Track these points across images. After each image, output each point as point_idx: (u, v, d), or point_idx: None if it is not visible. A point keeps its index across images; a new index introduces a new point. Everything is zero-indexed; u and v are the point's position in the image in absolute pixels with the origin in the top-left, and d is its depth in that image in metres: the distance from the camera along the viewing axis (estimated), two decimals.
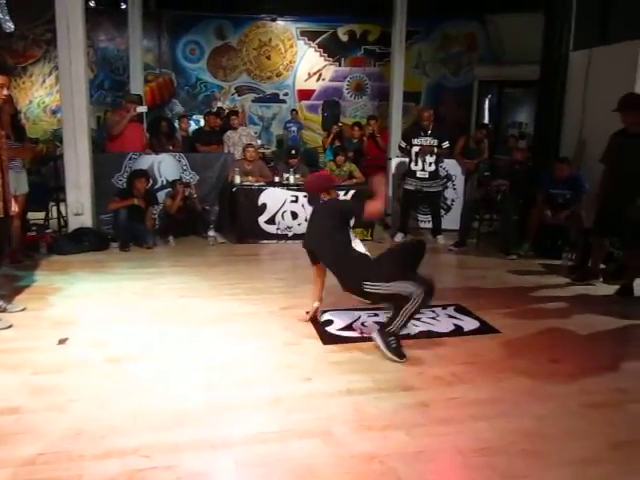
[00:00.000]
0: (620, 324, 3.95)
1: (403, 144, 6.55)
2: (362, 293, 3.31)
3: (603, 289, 4.75)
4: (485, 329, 3.71)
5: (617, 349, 3.55)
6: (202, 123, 9.03)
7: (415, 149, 6.37)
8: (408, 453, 2.28)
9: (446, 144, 6.44)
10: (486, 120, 11.31)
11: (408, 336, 3.53)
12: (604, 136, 4.85)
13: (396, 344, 3.18)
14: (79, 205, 5.94)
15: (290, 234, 6.41)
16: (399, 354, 3.16)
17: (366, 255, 3.43)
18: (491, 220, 6.90)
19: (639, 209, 4.40)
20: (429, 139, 6.35)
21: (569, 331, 3.74)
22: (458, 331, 3.66)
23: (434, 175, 6.45)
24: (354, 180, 6.87)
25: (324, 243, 3.51)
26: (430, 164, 6.37)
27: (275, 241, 6.35)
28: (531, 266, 5.50)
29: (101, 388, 2.80)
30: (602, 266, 5.07)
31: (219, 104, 10.58)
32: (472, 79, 11.57)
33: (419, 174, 6.40)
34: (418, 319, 3.78)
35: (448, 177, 7.12)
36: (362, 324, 3.69)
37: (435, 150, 6.34)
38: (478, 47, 11.68)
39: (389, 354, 3.15)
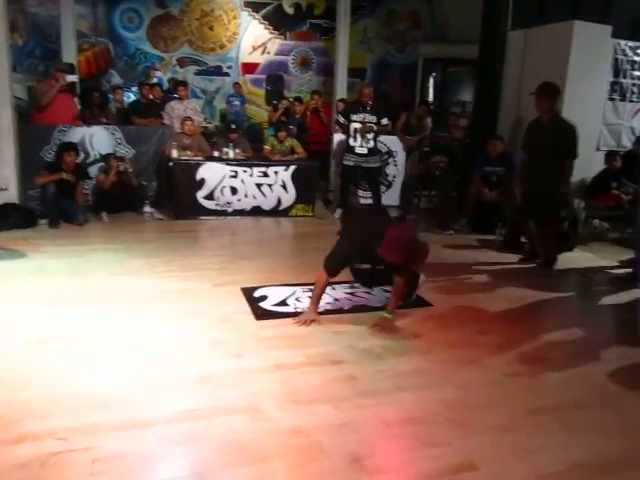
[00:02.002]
0: (544, 296, 4.11)
1: (341, 119, 6.51)
2: None
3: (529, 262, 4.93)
4: (418, 302, 3.77)
5: (539, 320, 3.68)
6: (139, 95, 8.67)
7: (354, 125, 6.33)
8: (333, 425, 2.29)
9: (385, 121, 6.41)
10: (430, 98, 11.42)
11: (341, 310, 3.56)
12: None
13: None
14: (3, 180, 5.62)
15: (230, 210, 6.30)
16: None
17: None
18: (430, 196, 7.00)
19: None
20: (367, 115, 6.31)
21: (497, 304, 3.86)
22: None
23: (373, 151, 6.45)
24: (295, 155, 6.80)
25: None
26: (369, 140, 6.36)
27: (214, 217, 6.23)
28: (466, 241, 5.64)
29: (20, 371, 2.67)
30: None
31: (158, 74, 10.18)
32: (417, 57, 11.61)
33: (358, 150, 6.36)
34: (352, 294, 3.81)
35: (389, 153, 7.16)
36: (296, 299, 3.68)
37: (374, 128, 6.33)
38: (423, 25, 11.71)
39: None
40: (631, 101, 6.50)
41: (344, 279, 4.03)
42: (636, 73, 6.42)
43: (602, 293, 4.26)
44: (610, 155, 6.09)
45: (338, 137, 7.21)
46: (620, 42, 6.25)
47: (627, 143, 6.51)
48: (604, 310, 4.01)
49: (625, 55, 6.32)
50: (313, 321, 3.33)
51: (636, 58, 6.37)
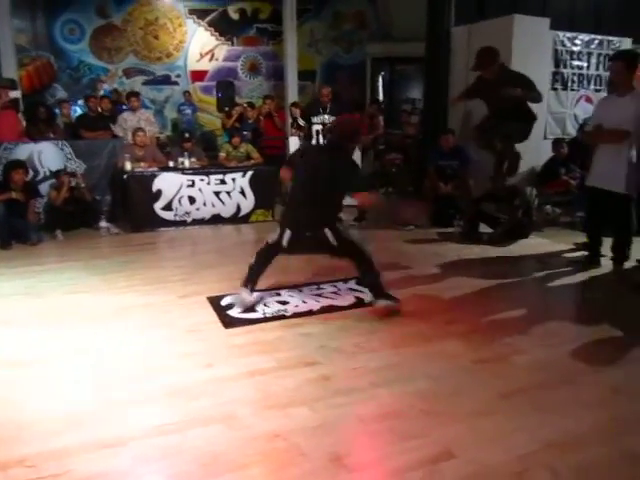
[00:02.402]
0: (506, 283, 4.22)
1: (301, 122, 6.53)
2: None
3: (493, 251, 5.06)
4: (386, 298, 3.79)
5: (503, 307, 3.76)
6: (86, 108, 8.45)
7: (315, 127, 6.36)
8: (310, 427, 2.29)
9: None
10: (380, 97, 11.56)
11: (310, 312, 3.55)
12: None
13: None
14: None
15: (189, 220, 6.21)
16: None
17: None
18: (387, 193, 7.09)
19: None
20: (327, 116, 6.35)
21: (463, 294, 3.94)
22: (359, 303, 3.72)
23: None
24: (252, 161, 6.77)
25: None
26: None
27: (173, 228, 6.13)
28: (427, 235, 5.73)
29: None
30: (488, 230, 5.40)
31: (105, 86, 9.95)
32: (364, 56, 11.73)
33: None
34: (320, 295, 3.81)
35: None
36: (264, 304, 3.65)
37: None
38: (368, 25, 11.85)
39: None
40: (572, 90, 6.76)
41: (311, 280, 4.05)
42: (575, 63, 6.69)
43: (560, 276, 4.40)
44: (557, 142, 6.31)
45: (294, 141, 7.22)
46: (559, 33, 6.50)
47: (571, 130, 6.78)
48: (562, 292, 4.15)
49: (564, 46, 6.57)
50: None
51: (574, 48, 6.64)
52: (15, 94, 6.41)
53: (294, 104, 8.23)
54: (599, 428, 2.29)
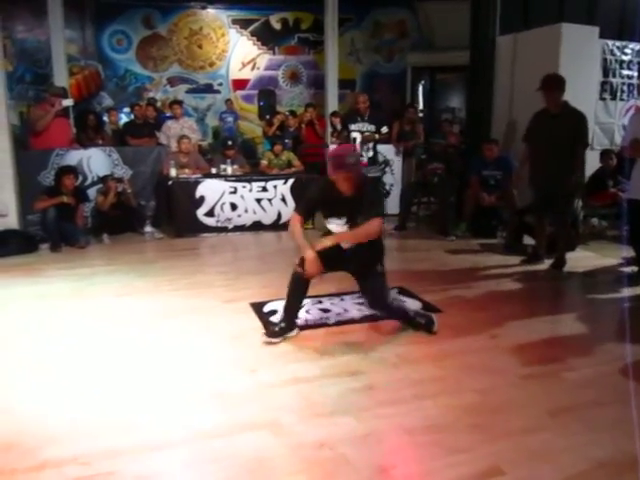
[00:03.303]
0: (552, 297, 4.13)
1: (339, 127, 6.57)
2: None
3: (539, 265, 4.94)
4: (427, 309, 3.77)
5: (550, 322, 3.69)
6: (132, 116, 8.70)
7: (353, 135, 6.37)
8: (357, 437, 2.28)
9: (385, 129, 6.48)
10: (420, 106, 11.52)
11: (352, 321, 3.55)
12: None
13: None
14: (3, 206, 5.62)
15: (230, 226, 6.31)
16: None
17: None
18: (429, 203, 7.04)
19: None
20: (366, 124, 6.37)
21: (507, 307, 3.87)
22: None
23: (372, 161, 6.50)
24: (293, 169, 6.82)
25: None
26: (368, 149, 6.40)
27: (215, 234, 6.23)
28: (469, 246, 5.66)
29: (36, 397, 2.65)
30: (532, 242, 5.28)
31: (150, 94, 10.21)
32: (405, 66, 11.71)
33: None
34: (361, 303, 3.81)
35: (386, 162, 7.20)
36: (306, 311, 3.67)
37: (375, 137, 6.37)
38: (409, 34, 11.82)
39: None
40: (621, 99, 6.59)
41: (355, 289, 4.04)
42: (625, 72, 6.52)
43: (609, 291, 4.29)
44: (605, 154, 6.15)
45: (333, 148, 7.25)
46: (608, 42, 6.34)
47: (620, 141, 6.59)
48: (612, 308, 4.03)
49: (613, 55, 6.41)
50: (320, 270, 3.10)
51: (624, 57, 6.47)
52: (68, 102, 6.62)
53: (334, 113, 8.28)
54: None
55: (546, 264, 4.92)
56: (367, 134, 6.35)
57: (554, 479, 2.04)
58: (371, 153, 6.44)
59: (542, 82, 4.63)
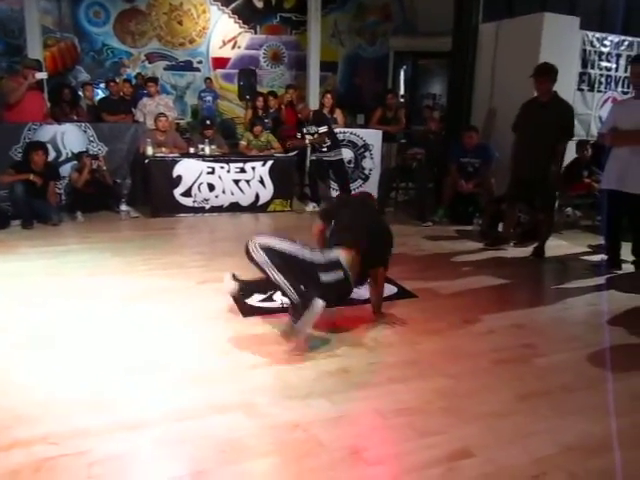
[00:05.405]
0: (527, 284, 4.19)
1: (298, 135, 6.67)
2: None
3: (512, 252, 5.02)
4: (403, 294, 3.80)
5: (523, 308, 3.75)
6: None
7: (307, 138, 6.65)
8: (330, 419, 2.29)
9: (323, 128, 6.54)
10: (402, 91, 11.49)
11: (329, 305, 3.54)
12: (512, 105, 5.06)
13: None
14: None
15: (207, 207, 6.24)
16: None
17: None
18: (407, 189, 7.06)
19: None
20: (312, 127, 6.55)
21: (481, 293, 3.93)
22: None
23: (332, 147, 6.62)
24: (272, 150, 6.77)
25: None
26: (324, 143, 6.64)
27: (192, 214, 6.17)
28: (445, 232, 5.70)
29: (6, 376, 2.60)
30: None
31: (128, 70, 9.98)
32: (387, 50, 11.66)
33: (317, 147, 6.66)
34: None
35: (365, 147, 7.18)
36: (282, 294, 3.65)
37: (325, 139, 6.55)
38: (393, 18, 11.75)
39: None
40: (599, 91, 6.66)
41: None
42: (603, 64, 6.59)
43: (580, 279, 4.37)
44: (581, 145, 6.23)
45: None
46: (588, 33, 6.39)
47: (596, 132, 6.68)
48: (582, 296, 4.10)
49: (593, 46, 6.47)
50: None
51: (603, 49, 6.53)
52: (42, 75, 6.42)
53: (328, 92, 8.20)
54: (619, 434, 2.27)
55: (509, 251, 5.04)
56: (315, 136, 6.55)
57: (523, 462, 2.07)
58: (328, 142, 6.58)
59: (536, 70, 4.66)
